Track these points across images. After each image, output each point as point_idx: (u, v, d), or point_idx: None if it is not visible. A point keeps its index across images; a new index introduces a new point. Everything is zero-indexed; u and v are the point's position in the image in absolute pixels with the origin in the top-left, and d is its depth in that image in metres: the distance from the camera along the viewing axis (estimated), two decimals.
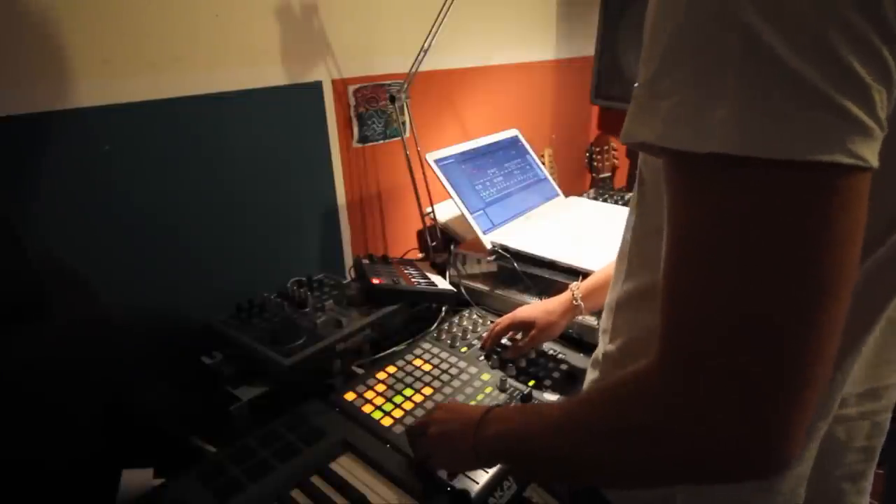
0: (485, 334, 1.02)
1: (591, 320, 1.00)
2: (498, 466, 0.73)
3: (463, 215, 1.17)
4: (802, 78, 0.30)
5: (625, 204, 1.51)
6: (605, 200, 1.55)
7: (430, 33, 1.15)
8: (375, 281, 1.05)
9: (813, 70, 0.30)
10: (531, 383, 0.91)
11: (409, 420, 0.82)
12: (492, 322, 1.06)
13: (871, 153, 0.31)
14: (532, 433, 0.51)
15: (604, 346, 0.61)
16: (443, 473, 0.71)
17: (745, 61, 0.31)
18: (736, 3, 0.31)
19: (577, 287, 0.93)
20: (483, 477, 0.72)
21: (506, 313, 0.99)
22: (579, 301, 0.92)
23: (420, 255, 1.41)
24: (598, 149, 1.82)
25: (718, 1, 0.32)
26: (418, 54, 1.17)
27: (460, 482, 0.70)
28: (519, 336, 0.98)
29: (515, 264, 1.10)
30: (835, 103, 0.30)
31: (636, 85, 0.39)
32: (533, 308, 0.97)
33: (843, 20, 0.29)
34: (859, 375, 0.49)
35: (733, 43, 0.31)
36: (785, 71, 0.30)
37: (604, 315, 0.62)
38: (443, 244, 1.30)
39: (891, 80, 0.31)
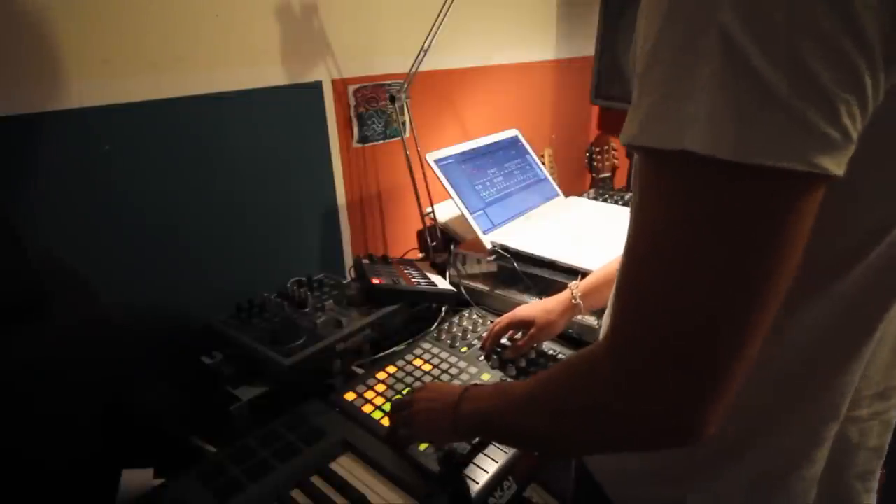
0: (484, 334, 1.02)
1: (590, 320, 1.00)
2: (498, 466, 0.73)
3: (463, 215, 1.17)
4: (769, 84, 0.30)
5: (625, 204, 1.51)
6: (605, 200, 1.55)
7: (430, 33, 1.15)
8: (375, 281, 1.05)
9: (780, 77, 0.30)
10: None
11: None
12: (492, 322, 1.06)
13: (831, 162, 0.31)
14: (500, 410, 0.57)
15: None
16: (433, 465, 0.72)
17: (720, 64, 0.32)
18: (715, 6, 0.31)
19: (576, 286, 0.93)
20: (483, 477, 0.72)
21: (506, 313, 0.99)
22: (578, 300, 0.92)
23: (420, 255, 1.41)
24: (598, 149, 1.82)
25: (698, 5, 0.32)
26: (418, 54, 1.17)
27: (459, 483, 0.71)
28: (518, 335, 0.98)
29: (515, 264, 1.10)
30: (796, 111, 0.30)
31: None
32: (532, 307, 0.97)
33: (816, 28, 0.30)
34: (875, 377, 0.49)
35: (709, 45, 0.32)
36: (753, 76, 0.31)
37: (606, 314, 0.63)
38: (443, 244, 1.30)
39: (862, 88, 0.31)
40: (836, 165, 0.31)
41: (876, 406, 0.51)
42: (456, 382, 0.90)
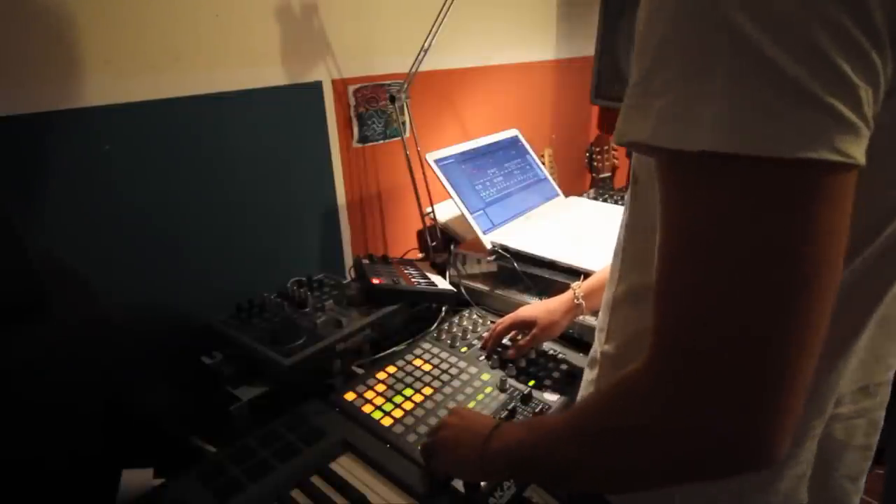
0: (485, 334, 1.02)
1: (591, 320, 1.00)
2: None
3: (463, 215, 1.17)
4: (791, 77, 0.30)
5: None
6: (605, 200, 1.55)
7: (430, 33, 1.15)
8: (375, 281, 1.05)
9: (801, 69, 0.30)
10: (531, 383, 0.91)
11: (409, 420, 0.82)
12: (492, 322, 1.06)
13: (857, 150, 0.31)
14: (530, 444, 0.52)
15: (600, 345, 0.61)
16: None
17: (734, 61, 0.31)
18: (724, 3, 0.31)
19: (578, 287, 0.94)
20: None
21: (506, 313, 0.99)
22: (581, 300, 0.92)
23: (420, 255, 1.41)
24: (598, 149, 1.82)
25: (706, 4, 0.32)
26: (418, 54, 1.18)
27: (460, 482, 0.70)
28: (520, 336, 0.98)
29: (515, 264, 1.10)
30: (823, 102, 0.30)
31: (628, 87, 0.39)
32: (534, 307, 0.97)
33: (831, 20, 0.30)
34: (854, 373, 0.49)
35: (722, 43, 0.32)
36: (773, 70, 0.30)
37: (600, 314, 0.62)
38: (443, 244, 1.30)
39: (877, 79, 0.31)
40: (861, 154, 0.31)
41: (862, 403, 0.51)
42: (456, 383, 0.90)
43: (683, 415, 0.36)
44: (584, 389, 0.65)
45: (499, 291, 1.14)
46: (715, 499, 0.51)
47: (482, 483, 0.70)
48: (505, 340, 1.00)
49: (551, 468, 0.50)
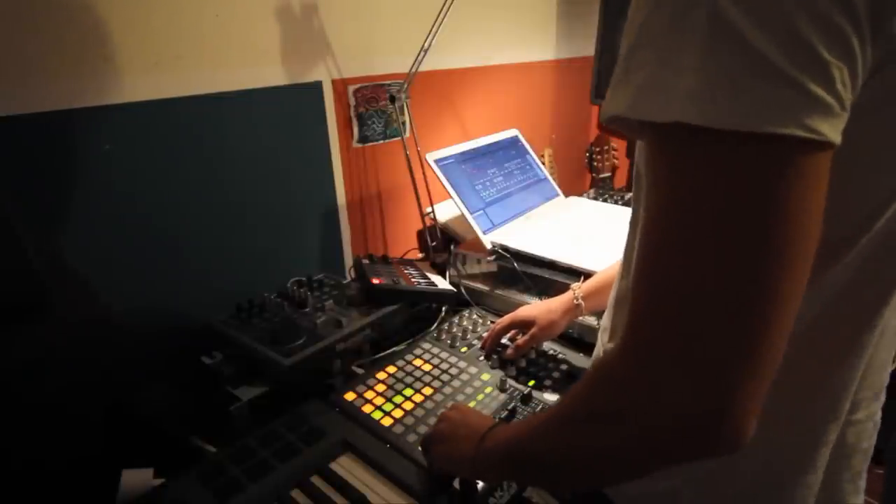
0: (485, 334, 1.02)
1: (591, 320, 1.00)
2: None
3: (463, 215, 1.17)
4: (761, 53, 0.30)
5: (625, 204, 1.51)
6: (605, 200, 1.55)
7: (430, 33, 1.15)
8: (375, 281, 1.05)
9: (772, 45, 0.30)
10: (531, 383, 0.91)
11: (409, 420, 0.82)
12: (492, 322, 1.06)
13: (829, 129, 0.31)
14: (518, 438, 0.53)
15: (603, 343, 0.61)
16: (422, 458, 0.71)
17: (708, 36, 0.32)
18: None
19: (578, 287, 0.94)
20: None
21: (506, 313, 0.99)
22: (580, 301, 0.92)
23: (420, 255, 1.41)
24: (598, 149, 1.82)
25: None
26: (418, 54, 1.18)
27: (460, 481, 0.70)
28: (519, 335, 0.98)
29: (515, 264, 1.10)
30: (791, 78, 0.30)
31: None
32: (533, 307, 0.97)
33: (810, 2, 0.30)
34: (869, 380, 0.49)
35: (699, 17, 0.32)
36: (746, 46, 0.31)
37: (605, 313, 0.63)
38: (443, 244, 1.30)
39: (853, 56, 0.31)
40: (833, 132, 0.31)
41: (871, 407, 0.51)
42: (456, 383, 0.90)
43: (653, 396, 0.36)
44: None
45: (499, 291, 1.14)
46: (720, 494, 0.51)
47: (479, 483, 0.70)
48: (504, 340, 1.00)
49: (541, 462, 0.50)
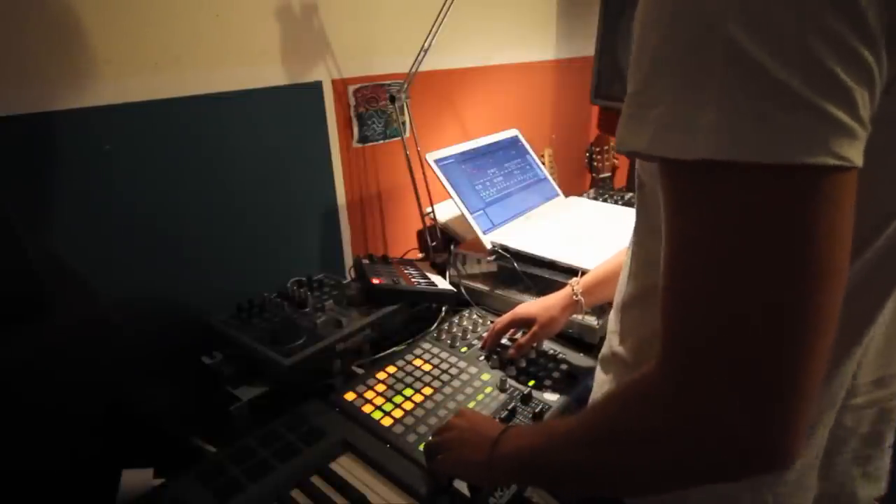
0: (485, 334, 1.02)
1: (590, 320, 1.00)
2: None
3: (463, 215, 1.17)
4: (785, 83, 0.31)
5: (625, 204, 1.51)
6: (605, 200, 1.55)
7: (430, 33, 1.15)
8: (375, 281, 1.05)
9: (794, 75, 0.31)
10: (531, 383, 0.91)
11: (409, 420, 0.82)
12: (492, 322, 1.06)
13: (855, 153, 0.32)
14: (545, 446, 0.52)
15: (612, 346, 0.61)
16: (423, 458, 0.71)
17: (728, 70, 0.32)
18: (718, 13, 0.32)
19: (576, 283, 0.94)
20: None
21: (506, 313, 0.99)
22: (579, 296, 0.92)
23: (420, 255, 1.41)
24: (598, 149, 1.82)
25: (701, 11, 0.33)
26: (418, 54, 1.17)
27: (460, 482, 0.70)
28: (519, 334, 0.98)
29: (515, 264, 1.10)
30: (817, 107, 0.31)
31: (627, 95, 0.40)
32: (532, 305, 0.97)
33: (822, 25, 0.30)
34: (871, 365, 0.49)
35: (717, 52, 0.32)
36: (767, 78, 0.31)
37: (612, 316, 0.63)
38: (443, 244, 1.30)
39: (872, 81, 0.32)
40: (858, 155, 0.32)
41: (875, 394, 0.51)
42: (456, 383, 0.90)
43: (700, 419, 0.37)
44: (598, 391, 0.65)
45: (499, 291, 1.14)
46: (728, 492, 0.52)
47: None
48: (504, 340, 1.00)
49: (564, 473, 0.51)
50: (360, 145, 1.33)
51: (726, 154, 0.32)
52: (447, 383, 0.90)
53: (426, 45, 1.16)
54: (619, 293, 0.61)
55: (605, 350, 0.64)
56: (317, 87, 1.21)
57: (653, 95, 0.36)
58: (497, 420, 0.79)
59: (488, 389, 0.89)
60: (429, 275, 1.17)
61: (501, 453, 0.57)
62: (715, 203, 0.34)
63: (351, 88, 1.28)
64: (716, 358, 0.35)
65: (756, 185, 0.33)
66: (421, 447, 0.74)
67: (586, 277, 0.94)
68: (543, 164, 1.52)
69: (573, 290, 0.93)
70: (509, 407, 0.84)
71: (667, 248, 0.38)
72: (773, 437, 0.35)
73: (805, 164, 0.31)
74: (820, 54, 0.30)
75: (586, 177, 1.92)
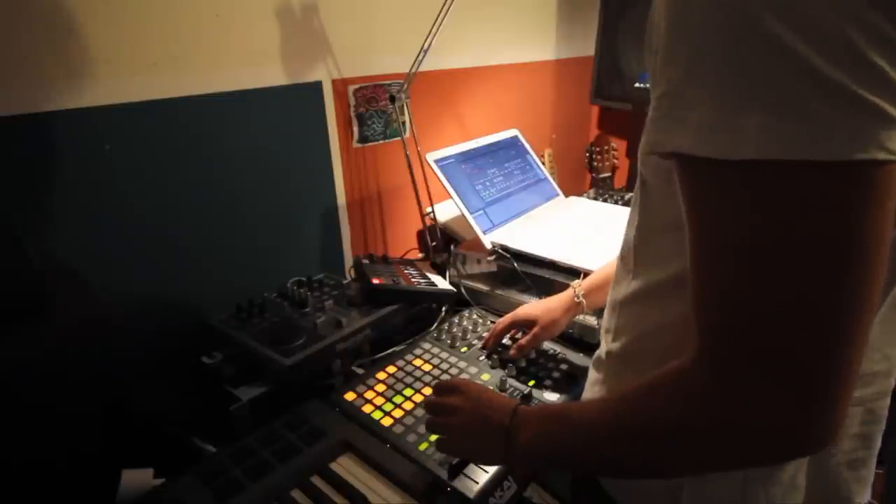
0: (486, 334, 1.02)
1: (591, 320, 1.00)
2: (498, 466, 0.73)
3: (463, 215, 1.17)
4: (831, 80, 0.31)
5: (625, 204, 1.51)
6: (605, 200, 1.55)
7: (430, 33, 1.15)
8: (375, 281, 1.05)
9: (840, 71, 0.31)
10: (531, 383, 0.91)
11: (409, 420, 0.82)
12: (492, 322, 1.06)
13: None
14: (571, 441, 0.52)
15: (607, 345, 0.61)
16: (432, 465, 0.71)
17: (772, 68, 0.32)
18: (756, 13, 0.32)
19: (578, 285, 0.94)
20: (483, 477, 0.72)
21: (506, 313, 0.99)
22: (581, 299, 0.92)
23: (420, 255, 1.41)
24: (598, 149, 1.82)
25: (737, 8, 0.33)
26: (418, 54, 1.17)
27: (460, 482, 0.70)
28: (520, 335, 0.98)
29: (515, 264, 1.10)
30: (867, 102, 0.31)
31: (654, 96, 0.40)
32: (534, 306, 0.97)
33: (862, 20, 0.30)
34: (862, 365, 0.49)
35: (759, 52, 0.32)
36: (813, 74, 0.31)
37: (606, 315, 0.62)
38: (443, 244, 1.30)
39: None
40: None
41: (858, 392, 0.51)
42: None
43: (747, 411, 0.38)
44: (589, 390, 0.65)
45: (499, 291, 1.14)
46: (719, 493, 0.52)
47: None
48: (505, 340, 1.00)
49: (591, 464, 0.53)
50: (360, 145, 1.33)
51: (775, 153, 0.32)
52: None
53: (426, 45, 1.16)
54: (614, 291, 0.60)
55: (598, 351, 0.64)
56: (317, 87, 1.21)
57: (692, 96, 0.36)
58: (504, 396, 0.76)
59: None
60: (429, 275, 1.17)
61: (521, 444, 0.55)
62: (763, 201, 0.35)
63: (351, 88, 1.28)
64: (766, 355, 0.36)
65: (805, 183, 0.33)
66: (421, 447, 0.74)
67: (588, 280, 0.94)
68: (543, 164, 1.52)
69: (575, 292, 0.93)
70: None
71: (705, 246, 0.38)
72: (821, 423, 0.36)
73: (855, 160, 0.31)
74: (861, 46, 0.30)
75: (586, 177, 1.92)
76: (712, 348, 0.39)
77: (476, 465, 0.71)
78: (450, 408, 0.64)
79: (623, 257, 0.58)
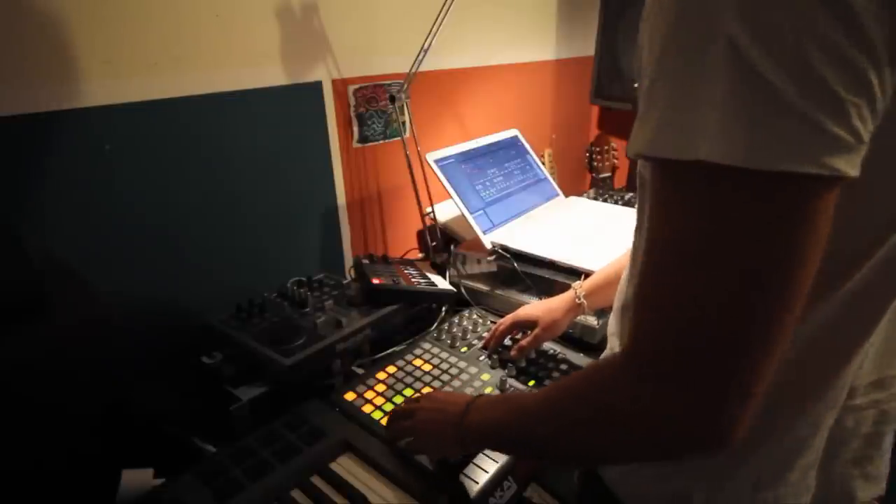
0: (485, 334, 1.02)
1: (592, 320, 1.00)
2: (498, 466, 0.73)
3: (463, 215, 1.17)
4: (779, 91, 0.31)
5: (625, 204, 1.51)
6: (605, 200, 1.55)
7: (430, 33, 1.15)
8: (375, 281, 1.05)
9: (790, 83, 0.31)
10: (531, 383, 0.91)
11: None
12: (492, 322, 1.06)
13: (846, 164, 0.32)
14: (511, 421, 0.55)
15: (612, 349, 0.61)
16: (432, 465, 0.72)
17: (727, 73, 0.32)
18: (720, 17, 0.32)
19: (579, 286, 0.94)
20: (483, 477, 0.72)
21: (506, 313, 0.99)
22: (582, 300, 0.92)
23: (420, 255, 1.41)
24: (598, 149, 1.82)
25: (704, 15, 0.33)
26: (418, 54, 1.17)
27: (460, 482, 0.70)
28: (519, 335, 0.98)
29: (515, 264, 1.10)
30: (808, 117, 0.31)
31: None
32: (535, 307, 0.97)
33: (822, 36, 0.30)
34: (868, 366, 0.49)
35: (717, 55, 0.32)
36: (763, 84, 0.31)
37: (612, 318, 0.63)
38: (443, 244, 1.30)
39: (870, 89, 0.31)
40: (849, 166, 0.32)
41: (873, 395, 0.51)
42: (456, 383, 0.90)
43: (657, 409, 0.39)
44: None
45: (499, 291, 1.14)
46: (730, 494, 0.52)
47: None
48: (506, 340, 1.00)
49: (529, 445, 0.56)
50: (360, 145, 1.33)
51: (719, 157, 0.33)
52: (447, 383, 0.90)
53: (426, 45, 1.16)
54: (621, 295, 0.61)
55: (606, 353, 0.64)
56: (317, 87, 1.21)
57: (656, 96, 0.36)
58: (466, 394, 0.80)
59: (488, 389, 0.89)
60: (429, 275, 1.17)
61: (471, 424, 0.60)
62: (705, 204, 0.35)
63: (351, 88, 1.28)
64: (681, 350, 0.37)
65: (743, 190, 0.33)
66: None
67: (589, 280, 0.94)
68: (543, 164, 1.52)
69: (576, 293, 0.93)
70: None
71: (646, 246, 0.39)
72: (718, 424, 0.37)
73: (792, 173, 0.31)
74: (816, 63, 0.30)
75: (586, 177, 1.92)
76: (633, 342, 0.41)
77: (437, 457, 0.73)
78: (410, 411, 0.70)
79: (632, 260, 0.59)
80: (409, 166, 1.25)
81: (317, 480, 0.72)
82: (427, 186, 1.28)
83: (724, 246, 0.35)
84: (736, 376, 0.36)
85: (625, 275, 0.60)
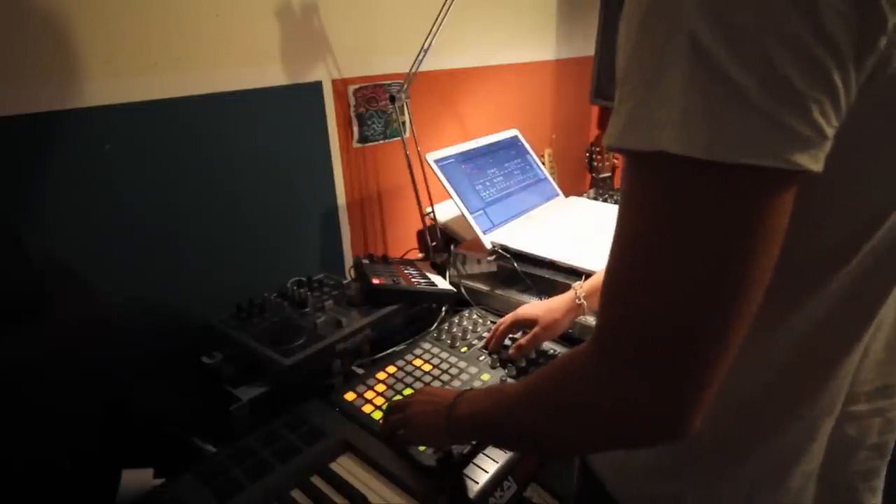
0: (485, 334, 1.02)
1: (592, 321, 1.00)
2: (498, 466, 0.73)
3: (463, 215, 1.17)
4: (739, 85, 0.31)
5: None
6: (605, 200, 1.55)
7: (430, 33, 1.15)
8: (375, 281, 1.05)
9: (750, 78, 0.31)
10: None
11: None
12: (492, 322, 1.06)
13: (807, 158, 0.32)
14: (491, 410, 0.58)
15: None
16: (432, 464, 0.72)
17: (688, 67, 0.32)
18: (684, 11, 0.32)
19: (579, 286, 0.94)
20: (483, 477, 0.72)
21: (506, 313, 0.99)
22: (582, 300, 0.92)
23: (420, 255, 1.41)
24: (598, 149, 1.82)
25: (669, 9, 0.33)
26: (418, 54, 1.17)
27: (460, 482, 0.70)
28: (519, 335, 0.98)
29: (515, 264, 1.10)
30: (767, 111, 0.31)
31: None
32: (535, 306, 0.97)
33: (782, 29, 0.30)
34: (868, 374, 0.49)
35: (679, 50, 0.33)
36: (725, 77, 0.31)
37: None
38: (443, 244, 1.30)
39: (832, 86, 0.31)
40: (811, 161, 0.32)
41: (877, 403, 0.51)
42: (456, 383, 0.90)
43: (616, 398, 0.41)
44: None
45: (499, 291, 1.14)
46: (725, 497, 0.52)
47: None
48: (506, 340, 1.00)
49: (510, 435, 0.58)
50: (360, 145, 1.34)
51: (678, 148, 0.33)
52: (447, 383, 0.90)
53: (426, 45, 1.16)
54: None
55: None
56: (317, 87, 1.21)
57: (626, 90, 0.37)
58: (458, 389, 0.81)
59: None
60: (429, 275, 1.17)
61: (458, 415, 0.62)
62: (664, 196, 0.35)
63: (351, 88, 1.28)
64: (637, 339, 0.38)
65: (703, 182, 0.34)
66: (422, 447, 0.74)
67: (590, 281, 0.94)
68: (543, 164, 1.52)
69: (577, 293, 0.93)
70: None
71: (615, 234, 0.40)
72: (680, 414, 0.38)
73: (750, 166, 0.32)
74: (777, 59, 0.30)
75: (586, 177, 1.92)
76: (597, 332, 0.42)
77: (428, 446, 0.74)
78: (403, 404, 0.73)
79: None
80: (409, 166, 1.25)
81: (317, 480, 0.72)
82: (427, 186, 1.28)
83: (683, 236, 0.35)
84: (691, 364, 0.37)
85: None
